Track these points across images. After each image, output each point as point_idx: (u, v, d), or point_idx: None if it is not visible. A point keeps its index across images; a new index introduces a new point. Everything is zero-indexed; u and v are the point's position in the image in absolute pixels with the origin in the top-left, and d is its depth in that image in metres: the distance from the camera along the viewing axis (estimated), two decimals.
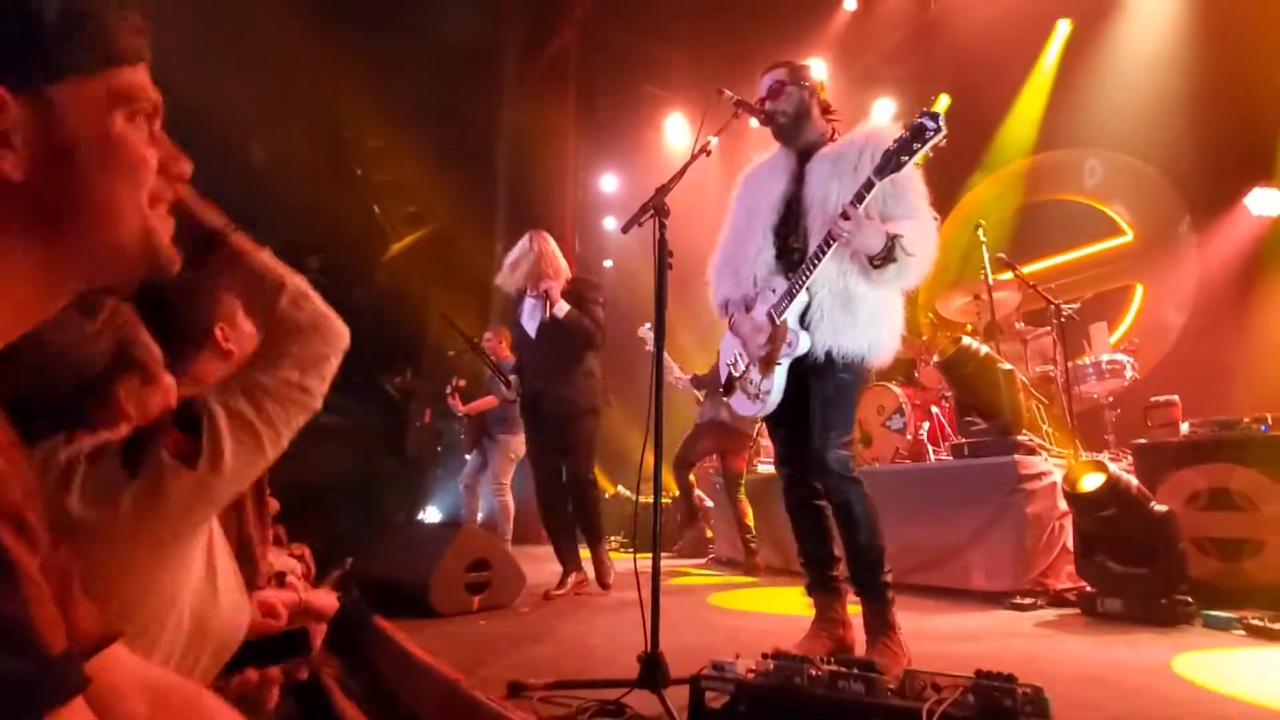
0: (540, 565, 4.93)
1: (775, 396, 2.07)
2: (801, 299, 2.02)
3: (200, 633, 0.93)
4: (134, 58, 0.56)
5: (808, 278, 1.98)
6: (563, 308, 3.43)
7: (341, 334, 1.00)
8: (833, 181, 2.04)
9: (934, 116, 1.83)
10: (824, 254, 1.94)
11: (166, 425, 0.87)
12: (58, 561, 0.58)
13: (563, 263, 3.64)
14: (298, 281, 1.00)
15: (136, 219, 0.56)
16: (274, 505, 2.76)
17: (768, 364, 2.07)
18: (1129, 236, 5.64)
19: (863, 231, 1.86)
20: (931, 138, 1.83)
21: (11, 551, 0.42)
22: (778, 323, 2.05)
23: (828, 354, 2.00)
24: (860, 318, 2.01)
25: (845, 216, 1.86)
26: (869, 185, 1.87)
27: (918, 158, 1.86)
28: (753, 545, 4.41)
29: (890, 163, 1.86)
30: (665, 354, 1.76)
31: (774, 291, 2.09)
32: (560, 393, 3.48)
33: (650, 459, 1.72)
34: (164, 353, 1.08)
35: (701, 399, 4.82)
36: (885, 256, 1.91)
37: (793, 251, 2.12)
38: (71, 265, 0.54)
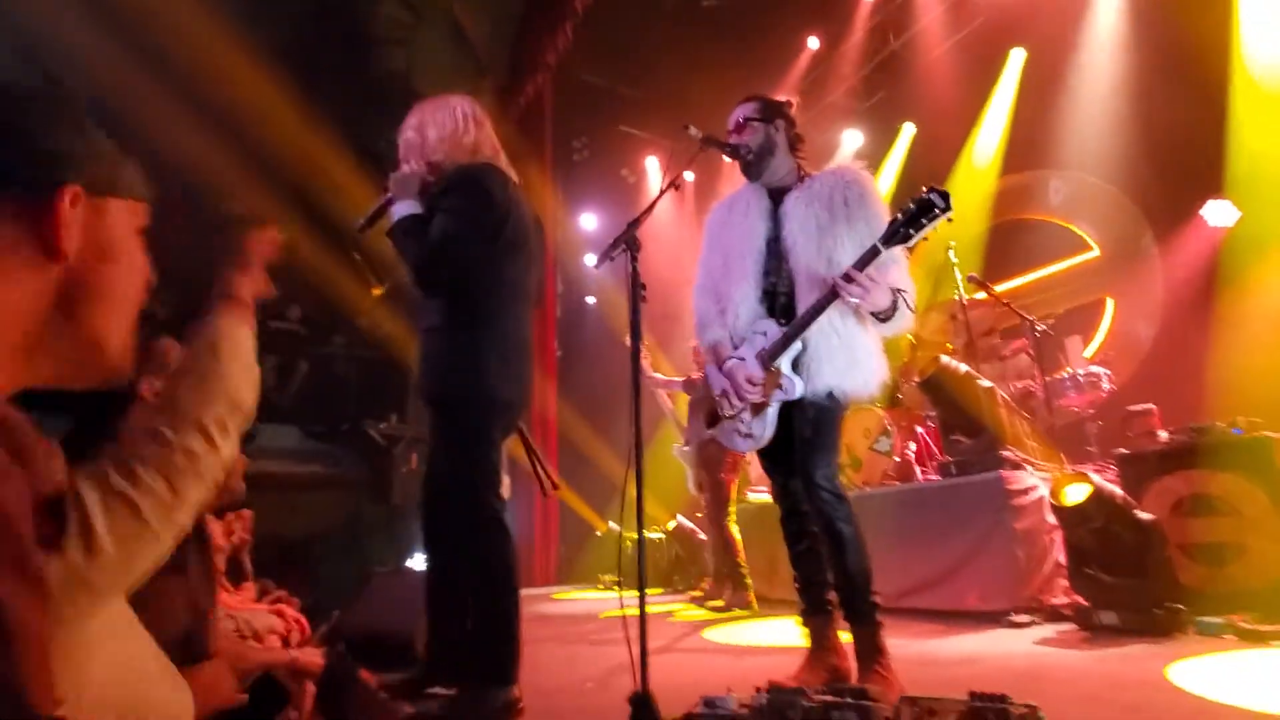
0: (532, 608, 4.85)
1: (766, 436, 2.10)
2: (795, 345, 2.05)
3: None
4: (148, 195, 0.70)
5: (806, 328, 2.00)
6: (405, 208, 2.08)
7: (235, 399, 0.85)
8: (811, 224, 2.08)
9: (943, 195, 1.85)
10: (824, 308, 1.96)
11: (38, 507, 0.76)
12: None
13: (456, 139, 2.22)
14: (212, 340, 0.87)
15: (127, 322, 0.66)
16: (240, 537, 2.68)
17: (759, 407, 2.10)
18: (1095, 252, 5.78)
19: (871, 294, 1.90)
20: (939, 215, 1.85)
21: (9, 607, 0.43)
22: (771, 369, 2.07)
23: (825, 394, 2.03)
24: (859, 355, 2.06)
25: (850, 280, 1.88)
26: (874, 252, 1.90)
27: (924, 234, 1.88)
28: (746, 578, 4.27)
29: (897, 234, 1.88)
30: (651, 366, 1.76)
31: (764, 335, 2.11)
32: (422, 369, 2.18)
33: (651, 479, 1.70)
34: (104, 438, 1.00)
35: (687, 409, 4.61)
36: (891, 310, 1.98)
37: (778, 295, 2.16)
38: (61, 354, 0.61)
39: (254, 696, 1.15)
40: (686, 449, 4.65)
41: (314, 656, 2.21)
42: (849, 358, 2.04)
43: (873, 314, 2.00)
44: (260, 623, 2.24)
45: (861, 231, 2.02)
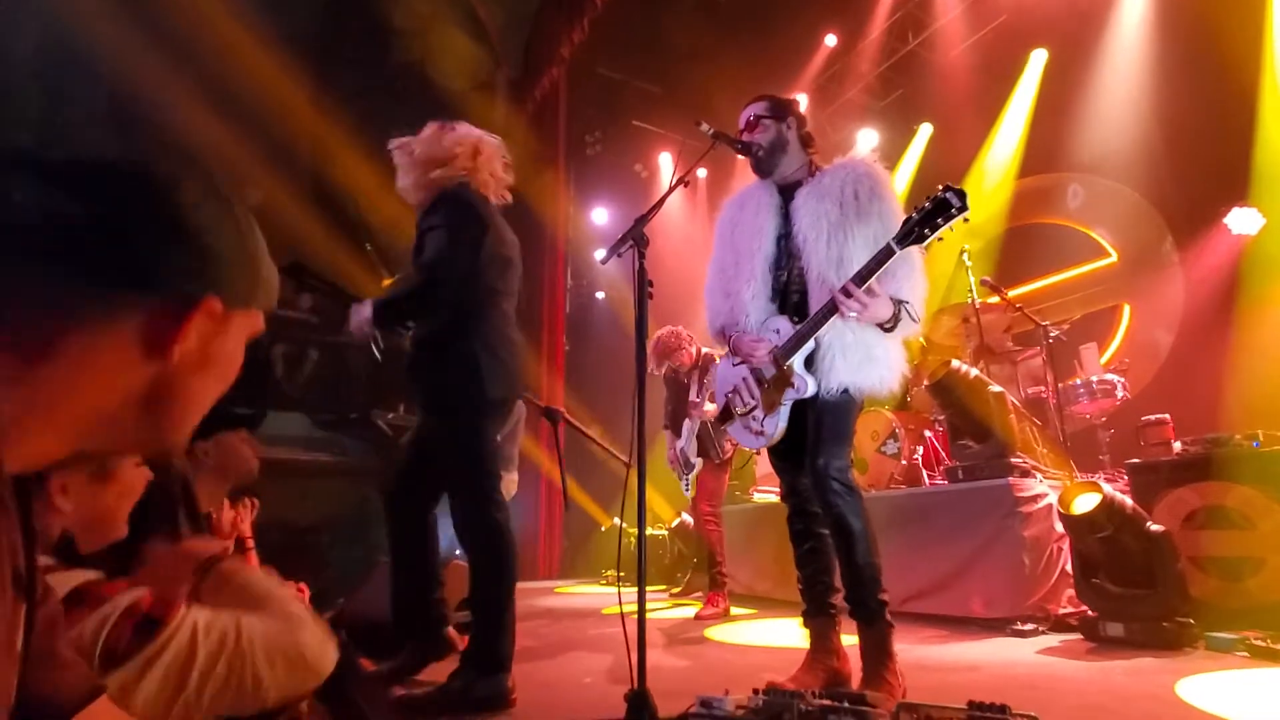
0: (534, 600, 4.86)
1: (777, 434, 2.09)
2: (808, 344, 2.03)
3: None
4: (272, 305, 0.65)
5: (817, 329, 1.98)
6: (365, 308, 2.23)
7: (313, 671, 0.89)
8: (822, 220, 2.06)
9: (960, 194, 1.81)
10: (830, 314, 1.94)
11: (132, 611, 0.77)
12: (46, 614, 0.59)
13: (453, 151, 2.32)
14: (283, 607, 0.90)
15: (196, 423, 0.62)
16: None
17: (771, 404, 2.08)
18: (1113, 258, 5.70)
19: (870, 309, 1.87)
20: (955, 214, 1.81)
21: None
22: (784, 367, 2.05)
23: (839, 391, 2.01)
24: (876, 352, 2.03)
25: (848, 294, 1.86)
26: (888, 252, 1.86)
27: (939, 233, 1.83)
28: (722, 577, 4.04)
29: (912, 234, 1.84)
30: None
31: (777, 333, 2.09)
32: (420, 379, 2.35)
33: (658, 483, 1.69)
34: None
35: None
36: (894, 321, 1.95)
37: (790, 293, 2.14)
38: (136, 439, 0.59)
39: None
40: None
41: None
42: (864, 354, 2.01)
43: (879, 325, 1.97)
44: None
45: (875, 228, 1.99)
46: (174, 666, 0.76)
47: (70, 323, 0.51)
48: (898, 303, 1.94)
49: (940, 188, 1.84)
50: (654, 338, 4.51)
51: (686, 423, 4.21)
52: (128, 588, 0.81)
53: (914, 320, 1.98)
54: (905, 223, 1.86)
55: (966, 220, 1.83)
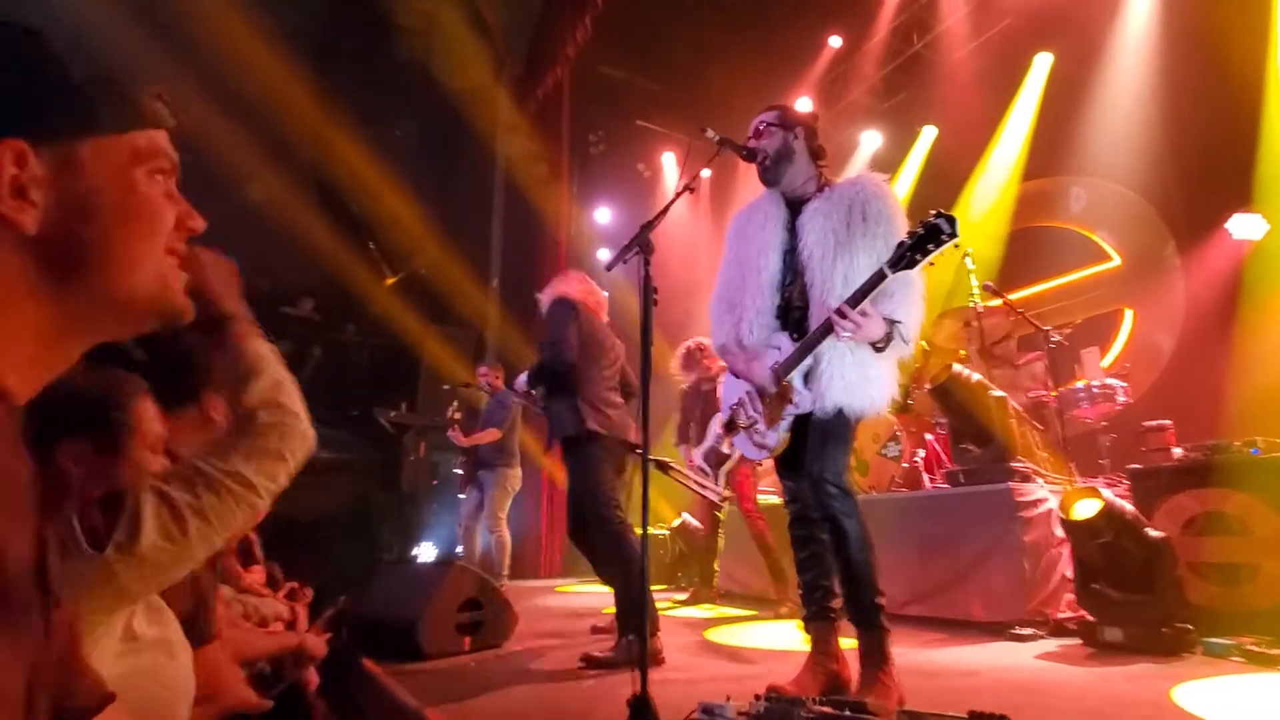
0: (535, 600, 4.87)
1: (779, 447, 2.12)
2: (807, 361, 2.05)
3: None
4: (155, 121, 0.59)
5: (815, 347, 2.01)
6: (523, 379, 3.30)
7: (301, 436, 0.93)
8: (829, 237, 2.07)
9: (950, 220, 1.84)
10: (827, 333, 1.97)
11: (89, 501, 0.83)
12: (63, 618, 0.58)
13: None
14: (276, 375, 0.94)
15: (151, 270, 0.57)
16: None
17: (773, 419, 2.11)
18: (1116, 262, 5.70)
19: (864, 329, 1.90)
20: (945, 240, 1.84)
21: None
22: (783, 383, 2.08)
23: (834, 411, 2.03)
24: (870, 373, 2.05)
25: (842, 315, 1.88)
26: (880, 276, 1.89)
27: (930, 259, 1.87)
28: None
29: (904, 259, 1.87)
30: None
31: (779, 349, 2.11)
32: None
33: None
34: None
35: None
36: (886, 341, 1.97)
37: (794, 309, 2.16)
38: (84, 319, 0.55)
39: (279, 707, 1.16)
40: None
41: (319, 642, 2.25)
42: (861, 375, 2.04)
43: (872, 345, 1.99)
44: (268, 609, 2.27)
45: (879, 249, 2.01)
46: (162, 513, 0.80)
47: None
48: (891, 323, 1.96)
49: (932, 213, 1.87)
50: (683, 349, 4.60)
51: (713, 425, 4.31)
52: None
53: (905, 342, 2.00)
54: (898, 247, 1.90)
55: (956, 246, 1.87)
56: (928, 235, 1.85)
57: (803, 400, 2.05)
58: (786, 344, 2.10)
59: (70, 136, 0.52)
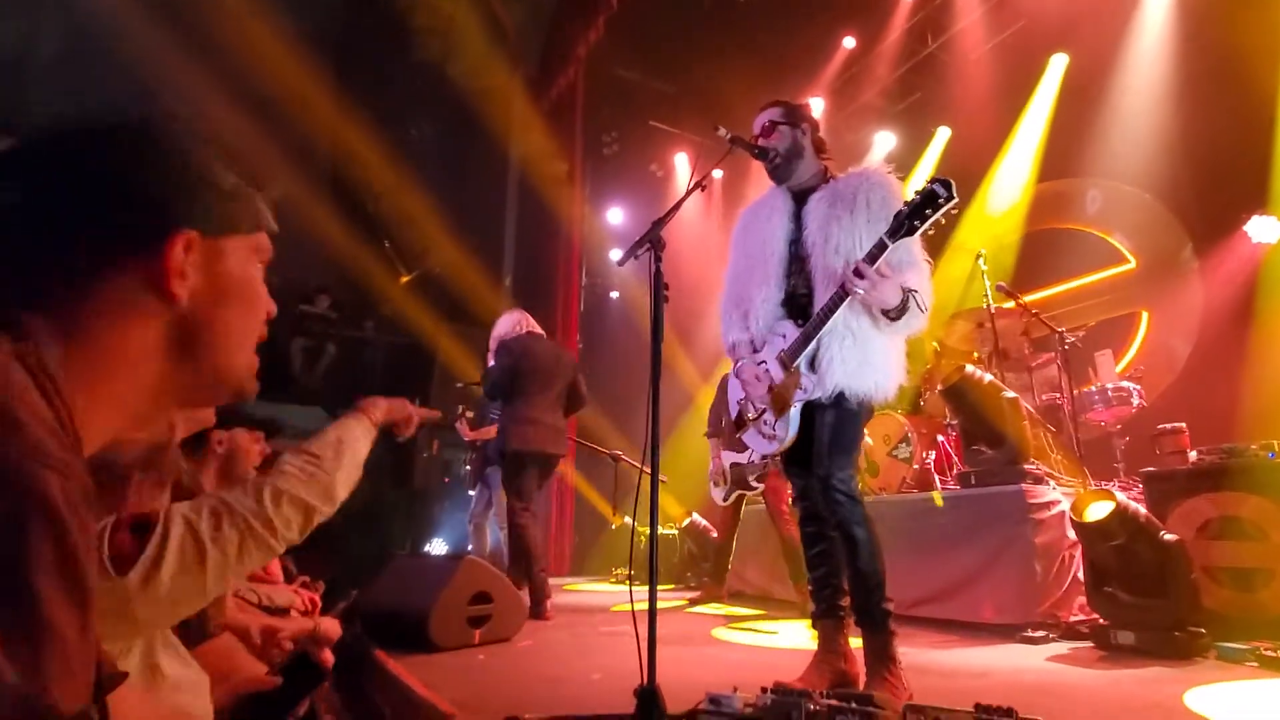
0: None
1: (789, 437, 2.10)
2: (812, 345, 2.05)
3: None
4: (269, 226, 0.69)
5: (821, 327, 2.00)
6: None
7: (328, 496, 0.98)
8: (832, 225, 2.07)
9: (945, 184, 1.84)
10: (837, 306, 1.96)
11: (120, 523, 0.85)
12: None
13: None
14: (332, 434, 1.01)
15: (247, 352, 0.66)
16: None
17: (781, 408, 2.10)
18: (1132, 264, 5.64)
19: (879, 289, 1.88)
20: (943, 204, 1.84)
21: (48, 605, 0.41)
22: (791, 369, 2.07)
23: (835, 394, 2.02)
24: (873, 357, 2.04)
25: (859, 274, 1.87)
26: (881, 246, 1.88)
27: (929, 224, 1.86)
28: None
29: (903, 227, 1.87)
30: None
31: (784, 337, 2.12)
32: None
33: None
34: None
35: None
36: (901, 309, 1.95)
37: (799, 296, 2.16)
38: (189, 388, 0.62)
39: (289, 674, 1.19)
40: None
41: (333, 625, 2.29)
42: (861, 358, 2.02)
43: (883, 313, 1.97)
44: (282, 598, 2.31)
45: (881, 232, 1.99)
46: (186, 542, 0.84)
47: (77, 294, 0.54)
48: (907, 290, 1.94)
49: (927, 180, 1.87)
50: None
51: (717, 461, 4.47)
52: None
53: (921, 310, 1.98)
54: (895, 217, 1.90)
55: (955, 210, 1.87)
56: (925, 201, 1.85)
57: (809, 384, 2.05)
58: (791, 330, 2.10)
59: (221, 232, 0.62)
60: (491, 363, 4.11)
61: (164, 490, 1.02)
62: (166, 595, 0.82)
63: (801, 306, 2.14)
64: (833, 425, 2.04)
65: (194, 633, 1.16)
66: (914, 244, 2.00)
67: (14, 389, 0.45)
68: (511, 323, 4.17)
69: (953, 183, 1.85)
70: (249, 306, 0.65)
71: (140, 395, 0.59)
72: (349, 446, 1.02)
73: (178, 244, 0.57)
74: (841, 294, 1.93)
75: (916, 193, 1.88)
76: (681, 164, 8.35)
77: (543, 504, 6.80)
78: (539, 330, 4.24)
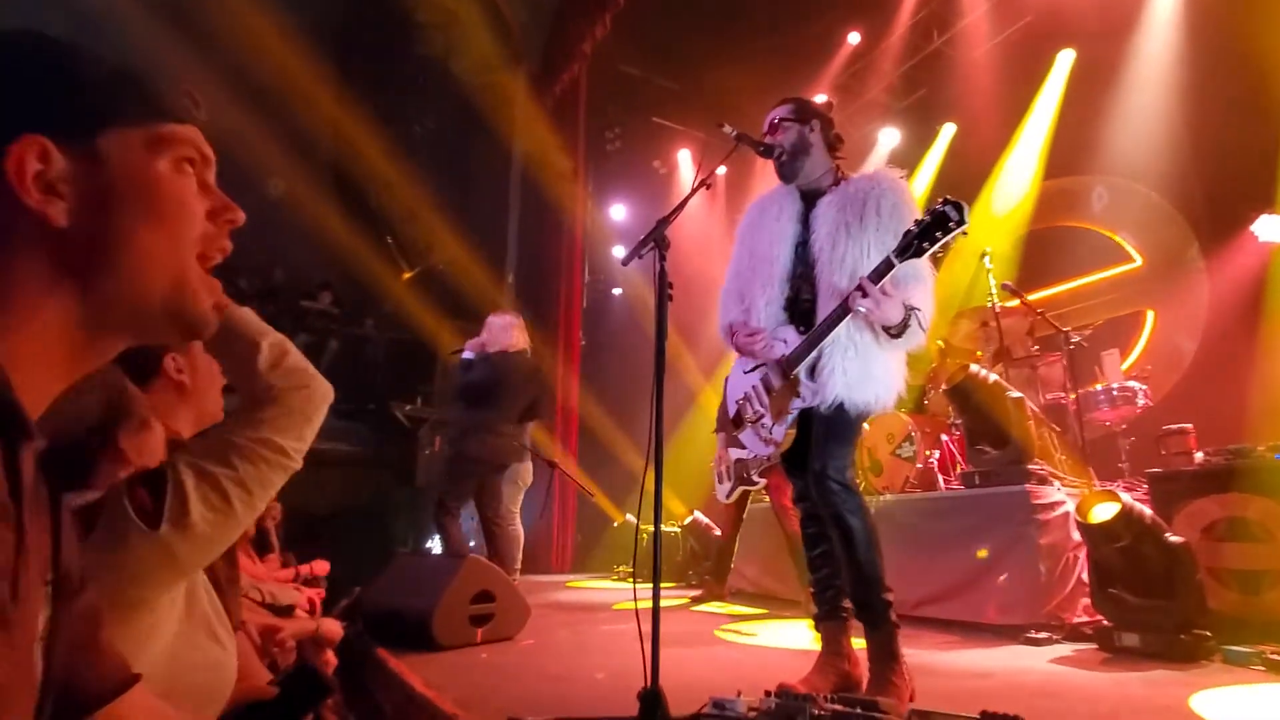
0: (546, 595, 4.90)
1: (786, 442, 2.10)
2: (813, 354, 2.04)
3: (171, 696, 0.87)
4: (178, 114, 0.58)
5: (823, 339, 1.99)
6: None
7: (322, 395, 0.98)
8: (839, 232, 2.05)
9: (957, 207, 1.81)
10: (839, 320, 1.95)
11: (133, 481, 0.85)
12: (85, 604, 0.59)
13: None
14: (275, 340, 0.97)
15: (172, 270, 0.55)
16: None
17: (779, 413, 2.10)
18: (1138, 263, 5.62)
19: (882, 307, 1.87)
20: (954, 229, 1.81)
21: None
22: (790, 376, 2.06)
23: (835, 405, 2.01)
24: (874, 370, 2.03)
25: (863, 292, 1.85)
26: (888, 265, 1.87)
27: (938, 247, 1.84)
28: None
29: (911, 247, 1.85)
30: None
31: (785, 343, 2.10)
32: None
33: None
34: None
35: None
36: (902, 327, 1.94)
37: (802, 301, 2.14)
38: (104, 321, 0.53)
39: (291, 689, 1.18)
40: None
41: (335, 626, 2.29)
42: (862, 370, 2.01)
43: (884, 329, 1.96)
44: (285, 596, 2.31)
45: (889, 244, 1.98)
46: (202, 484, 0.85)
47: None
48: (909, 309, 1.93)
49: (940, 201, 1.84)
50: None
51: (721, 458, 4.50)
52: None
53: (921, 329, 1.97)
54: (905, 235, 1.87)
55: (965, 235, 1.84)
56: (935, 223, 1.82)
57: (808, 394, 2.04)
58: (793, 336, 2.08)
59: (90, 130, 0.52)
60: (467, 354, 4.30)
61: (151, 429, 1.01)
62: (203, 537, 0.85)
63: (804, 312, 2.12)
64: (829, 425, 2.03)
65: None
66: (920, 260, 1.97)
67: None
68: (504, 335, 4.31)
69: (965, 206, 1.81)
70: (157, 212, 0.54)
71: (57, 342, 0.51)
72: (275, 333, 0.99)
73: (22, 152, 0.48)
74: (844, 308, 1.93)
75: (927, 213, 1.85)
76: (684, 160, 8.33)
77: (544, 501, 6.81)
78: (523, 344, 4.40)
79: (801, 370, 2.05)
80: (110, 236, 0.52)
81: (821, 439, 2.03)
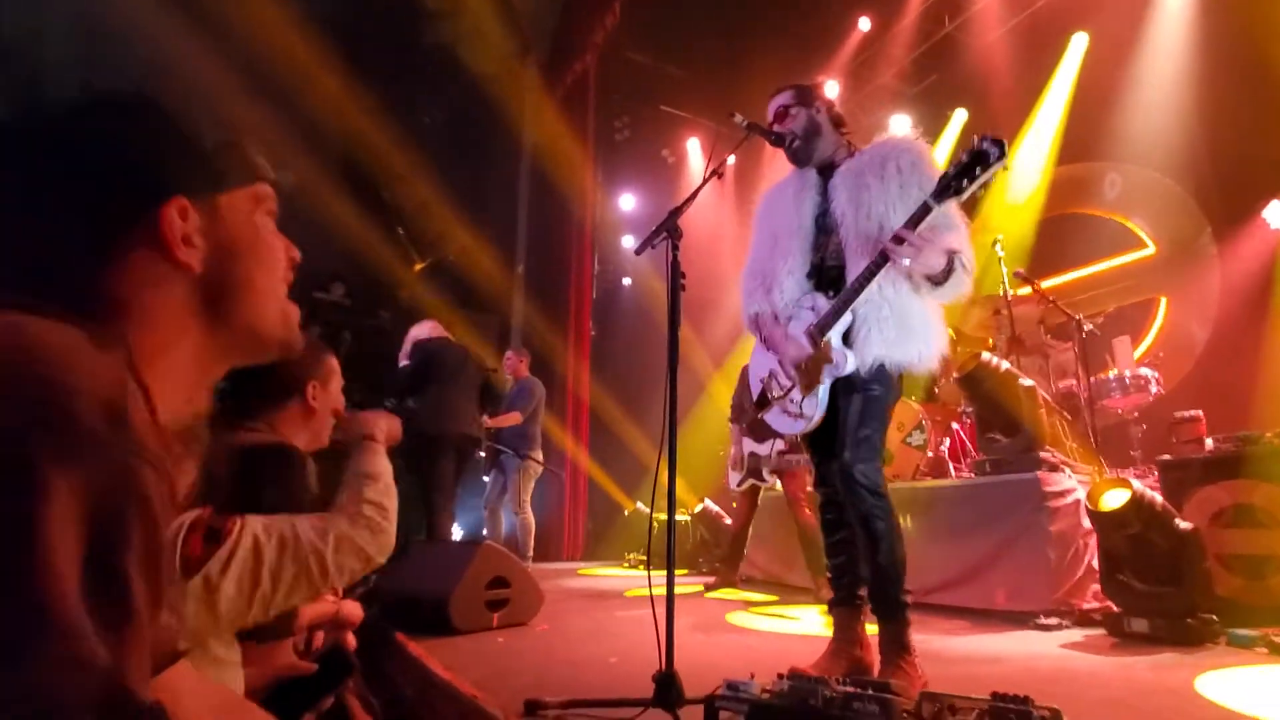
0: (557, 581, 4.96)
1: (817, 416, 2.03)
2: (845, 318, 1.97)
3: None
4: (266, 176, 0.71)
5: (856, 297, 1.92)
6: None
7: (385, 548, 1.03)
8: (862, 193, 2.01)
9: (997, 143, 1.75)
10: (874, 274, 1.88)
11: (198, 525, 0.88)
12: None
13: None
14: (389, 483, 1.06)
15: (277, 303, 0.68)
16: None
17: (810, 384, 2.03)
18: (1150, 249, 5.58)
19: (923, 254, 1.81)
20: (995, 164, 1.75)
21: (137, 596, 0.44)
22: (821, 343, 2.00)
23: (875, 367, 1.95)
24: (913, 325, 1.97)
25: (901, 240, 1.79)
26: (925, 209, 1.81)
27: (978, 185, 1.77)
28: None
29: (949, 188, 1.79)
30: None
31: (812, 310, 2.04)
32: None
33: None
34: (254, 397, 1.17)
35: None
36: (947, 272, 1.88)
37: (829, 269, 2.09)
38: (228, 347, 0.64)
39: (325, 664, 1.24)
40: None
41: (355, 608, 2.35)
42: (901, 327, 1.95)
43: (927, 278, 1.89)
44: None
45: (914, 197, 1.92)
46: (246, 567, 0.88)
47: (105, 279, 0.56)
48: (951, 253, 1.87)
49: (977, 138, 1.78)
50: None
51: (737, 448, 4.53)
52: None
53: (967, 271, 1.90)
54: (941, 179, 1.82)
55: (1005, 169, 1.78)
56: (973, 160, 1.76)
57: (841, 360, 1.95)
58: (821, 302, 2.02)
59: (215, 191, 0.64)
60: (404, 362, 4.52)
61: (191, 461, 1.06)
62: (216, 609, 0.87)
63: (832, 279, 2.06)
64: (860, 410, 1.96)
65: (270, 633, 1.19)
66: (952, 206, 1.90)
67: (121, 387, 0.47)
68: (426, 329, 4.64)
69: (1005, 141, 1.75)
70: (263, 257, 0.67)
71: (189, 368, 0.61)
72: (392, 486, 1.07)
73: (171, 212, 0.58)
74: (880, 261, 1.85)
75: (965, 152, 1.79)
76: (694, 149, 8.30)
77: (555, 488, 6.88)
78: (448, 335, 4.74)
79: (834, 335, 1.97)
80: (234, 280, 0.64)
81: (854, 421, 1.95)
